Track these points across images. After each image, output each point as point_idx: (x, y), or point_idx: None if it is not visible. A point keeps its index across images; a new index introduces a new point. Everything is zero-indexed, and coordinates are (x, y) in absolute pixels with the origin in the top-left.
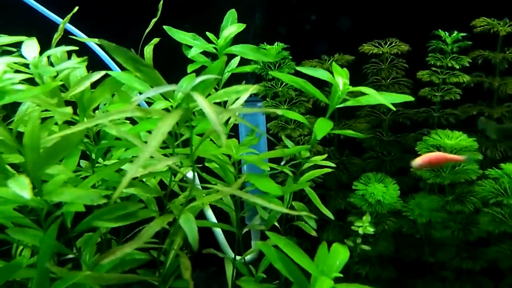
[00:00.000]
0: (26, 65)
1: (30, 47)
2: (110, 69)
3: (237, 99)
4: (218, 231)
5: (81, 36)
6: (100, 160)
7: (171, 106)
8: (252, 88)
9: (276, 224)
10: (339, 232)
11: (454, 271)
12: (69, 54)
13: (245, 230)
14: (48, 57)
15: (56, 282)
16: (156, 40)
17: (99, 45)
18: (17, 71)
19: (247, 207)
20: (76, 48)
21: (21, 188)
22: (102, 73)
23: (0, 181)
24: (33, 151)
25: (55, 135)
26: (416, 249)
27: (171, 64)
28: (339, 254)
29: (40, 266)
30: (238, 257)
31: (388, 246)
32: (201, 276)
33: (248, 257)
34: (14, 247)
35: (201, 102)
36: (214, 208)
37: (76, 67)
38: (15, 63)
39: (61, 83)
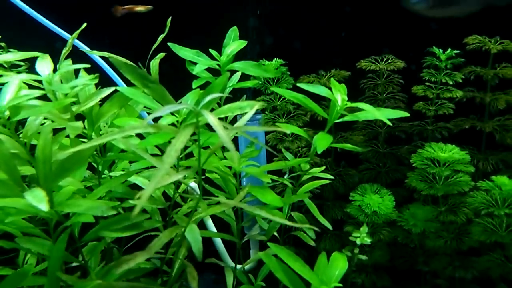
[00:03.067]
0: (37, 81)
1: (44, 64)
2: (111, 80)
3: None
4: (218, 241)
5: (85, 49)
6: (105, 171)
7: (177, 121)
8: (257, 105)
9: (275, 234)
10: (335, 241)
11: (447, 280)
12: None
13: (245, 238)
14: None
15: None
16: (162, 55)
17: (103, 58)
18: (30, 87)
19: (246, 218)
20: (88, 66)
21: (38, 200)
22: (112, 89)
23: (13, 192)
24: (45, 164)
25: (70, 150)
26: (411, 258)
27: (172, 76)
28: (338, 264)
29: (50, 275)
30: (238, 266)
31: (384, 255)
32: (201, 283)
33: (247, 266)
34: (22, 255)
35: (212, 121)
36: (213, 217)
37: (88, 83)
38: (25, 79)
39: (74, 99)
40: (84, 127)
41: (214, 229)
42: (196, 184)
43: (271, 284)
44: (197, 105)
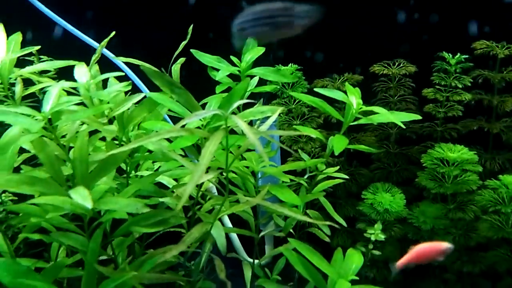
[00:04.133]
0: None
1: (81, 71)
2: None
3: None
4: (234, 236)
5: (111, 55)
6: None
7: (202, 125)
8: (279, 110)
9: (291, 230)
10: (347, 237)
11: (455, 274)
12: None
13: (262, 234)
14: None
15: (105, 282)
16: (182, 60)
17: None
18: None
19: (263, 215)
20: (122, 74)
21: (83, 198)
22: (142, 95)
23: (55, 190)
24: (82, 164)
25: (109, 152)
26: None
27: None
28: (355, 259)
29: (88, 267)
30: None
31: (394, 251)
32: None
33: (263, 261)
34: (54, 249)
35: (242, 125)
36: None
37: (122, 90)
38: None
39: (111, 105)
40: None
41: (230, 225)
42: (212, 185)
43: (285, 278)
44: (225, 110)
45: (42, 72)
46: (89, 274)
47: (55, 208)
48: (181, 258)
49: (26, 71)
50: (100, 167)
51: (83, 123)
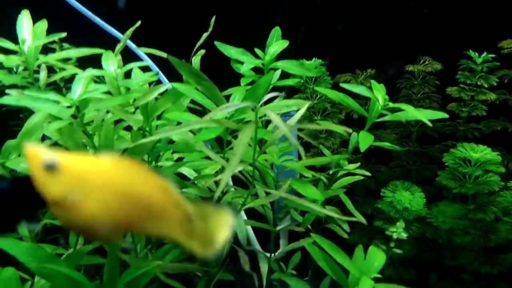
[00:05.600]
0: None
1: (109, 60)
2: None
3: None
4: (250, 229)
5: (133, 46)
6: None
7: (226, 117)
8: (307, 104)
9: (308, 226)
10: (364, 235)
11: (473, 275)
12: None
13: (280, 229)
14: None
15: (129, 270)
16: (202, 51)
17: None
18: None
19: (280, 209)
20: (147, 64)
21: None
22: (167, 85)
23: None
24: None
25: (137, 142)
26: (438, 253)
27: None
28: (377, 257)
29: (111, 254)
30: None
31: (411, 249)
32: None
33: (278, 255)
34: (73, 236)
35: (274, 119)
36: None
37: (149, 80)
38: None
39: (140, 95)
40: None
41: (245, 218)
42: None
43: (300, 272)
44: (250, 102)
45: (65, 60)
46: (111, 262)
47: None
48: None
49: (52, 58)
50: (125, 156)
51: (108, 112)
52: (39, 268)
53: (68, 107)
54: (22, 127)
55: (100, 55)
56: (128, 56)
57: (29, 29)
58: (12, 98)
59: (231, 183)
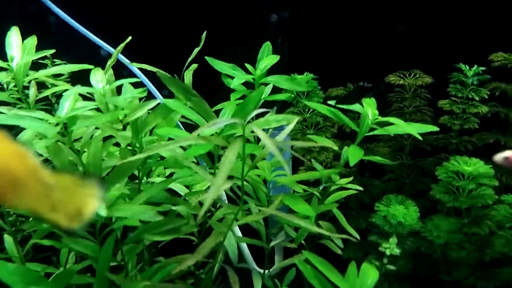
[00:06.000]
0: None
1: (97, 76)
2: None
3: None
4: (244, 246)
5: (126, 61)
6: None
7: (216, 132)
8: (296, 119)
9: (302, 241)
10: (358, 250)
11: None
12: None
13: (273, 245)
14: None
15: None
16: (194, 66)
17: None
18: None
19: (273, 225)
20: (139, 80)
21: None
22: (157, 101)
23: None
24: (96, 170)
25: (125, 160)
26: (433, 267)
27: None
28: (370, 274)
29: (99, 274)
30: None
31: (406, 265)
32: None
33: (272, 272)
34: (64, 255)
35: (261, 135)
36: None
37: (138, 96)
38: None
39: (128, 112)
40: None
41: (240, 234)
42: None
43: None
44: (240, 118)
45: (56, 76)
46: (100, 282)
47: None
48: (191, 267)
49: (41, 74)
50: (114, 173)
51: (97, 128)
52: None
53: (56, 124)
54: None
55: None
56: (121, 70)
57: (18, 45)
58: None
59: (224, 198)
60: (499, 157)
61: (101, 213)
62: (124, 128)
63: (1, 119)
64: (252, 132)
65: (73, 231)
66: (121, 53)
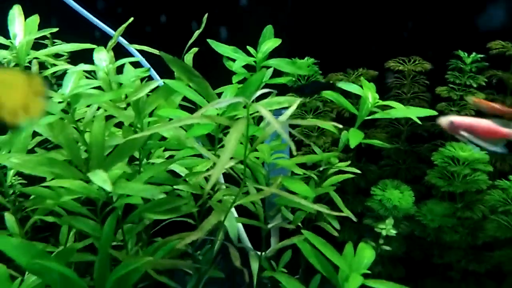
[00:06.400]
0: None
1: (101, 55)
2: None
3: None
4: (240, 227)
5: (125, 43)
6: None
7: (218, 114)
8: (298, 101)
9: (299, 223)
10: (353, 232)
11: (460, 272)
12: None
13: (271, 226)
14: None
15: (120, 266)
16: (195, 49)
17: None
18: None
19: (271, 207)
20: (137, 59)
21: (102, 181)
22: (159, 81)
23: (72, 174)
24: (98, 149)
25: (128, 138)
26: (426, 250)
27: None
28: (366, 254)
29: (102, 252)
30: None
31: (400, 247)
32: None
33: (268, 253)
34: (63, 234)
35: (266, 114)
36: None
37: (141, 75)
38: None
39: (131, 90)
40: None
41: (236, 215)
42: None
43: (290, 270)
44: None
45: (56, 56)
46: (102, 259)
47: (69, 191)
48: (189, 247)
49: (43, 53)
50: (117, 152)
51: (99, 108)
52: (30, 265)
53: (60, 102)
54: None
55: (92, 51)
56: (119, 53)
57: (20, 24)
58: None
59: (222, 180)
60: (444, 120)
61: (107, 189)
62: (125, 108)
63: None
64: (251, 114)
65: (17, 128)
66: (123, 37)
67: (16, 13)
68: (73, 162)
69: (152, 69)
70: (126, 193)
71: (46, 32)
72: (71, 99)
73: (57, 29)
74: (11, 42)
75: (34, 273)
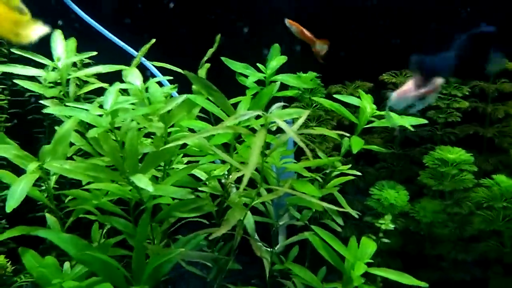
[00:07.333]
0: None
1: (135, 75)
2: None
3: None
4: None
5: (145, 61)
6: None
7: (234, 124)
8: (307, 113)
9: (306, 222)
10: (354, 229)
11: (450, 262)
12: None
13: (281, 224)
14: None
15: (155, 257)
16: (207, 65)
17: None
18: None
19: (279, 207)
20: (171, 78)
21: (145, 184)
22: (184, 96)
23: (113, 177)
24: (133, 156)
25: (163, 147)
26: (420, 243)
27: None
28: (369, 245)
29: (138, 246)
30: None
31: (397, 241)
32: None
33: (278, 249)
34: (95, 231)
35: (282, 125)
36: None
37: (170, 92)
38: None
39: (163, 105)
40: None
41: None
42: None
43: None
44: (255, 110)
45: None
46: (139, 252)
47: (108, 193)
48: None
49: (83, 73)
50: (151, 159)
51: (132, 120)
52: (78, 255)
53: (100, 115)
54: (45, 134)
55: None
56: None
57: (62, 47)
58: (56, 109)
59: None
60: (393, 96)
61: (149, 190)
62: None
63: (58, 110)
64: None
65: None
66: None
67: (58, 38)
68: (116, 167)
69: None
70: (163, 194)
71: (86, 55)
72: (112, 114)
73: (95, 52)
74: (55, 64)
75: (81, 263)
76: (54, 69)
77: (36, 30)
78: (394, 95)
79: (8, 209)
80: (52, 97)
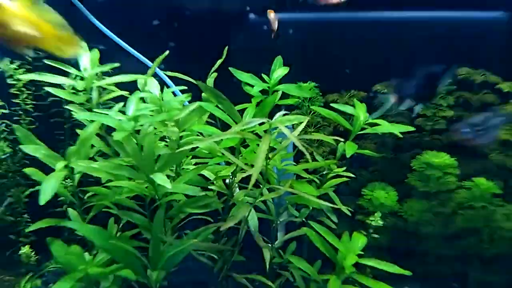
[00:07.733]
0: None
1: (153, 85)
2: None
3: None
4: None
5: (158, 70)
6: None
7: (240, 130)
8: (307, 119)
9: (303, 219)
10: (347, 227)
11: (435, 258)
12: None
13: (281, 220)
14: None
15: (169, 247)
16: (215, 74)
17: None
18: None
19: (280, 205)
20: (186, 87)
21: (164, 182)
22: (196, 104)
23: (136, 175)
24: (150, 157)
25: (179, 150)
26: (407, 241)
27: None
28: (360, 239)
29: (154, 237)
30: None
31: (386, 238)
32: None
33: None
34: (112, 225)
35: (286, 131)
36: None
37: (183, 99)
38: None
39: (179, 112)
40: None
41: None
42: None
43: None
44: (260, 117)
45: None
46: (155, 242)
47: (127, 190)
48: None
49: (105, 82)
50: (168, 159)
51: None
52: (102, 244)
53: (120, 119)
54: (66, 136)
55: None
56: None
57: (87, 58)
58: (85, 114)
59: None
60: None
61: (168, 187)
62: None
63: (87, 116)
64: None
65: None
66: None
67: (83, 49)
68: (138, 167)
69: (172, 84)
70: (179, 191)
71: (109, 66)
72: (134, 119)
73: (118, 64)
74: (82, 74)
75: (105, 251)
76: (77, 76)
77: (76, 45)
78: (392, 99)
79: (42, 202)
80: (79, 103)
